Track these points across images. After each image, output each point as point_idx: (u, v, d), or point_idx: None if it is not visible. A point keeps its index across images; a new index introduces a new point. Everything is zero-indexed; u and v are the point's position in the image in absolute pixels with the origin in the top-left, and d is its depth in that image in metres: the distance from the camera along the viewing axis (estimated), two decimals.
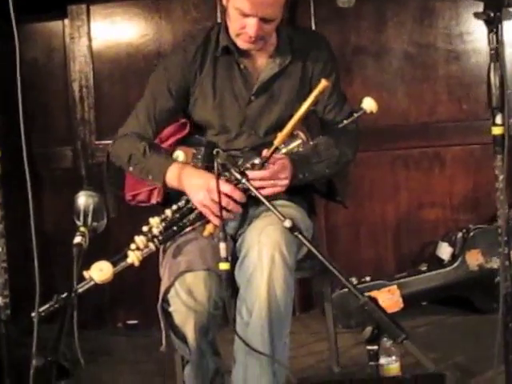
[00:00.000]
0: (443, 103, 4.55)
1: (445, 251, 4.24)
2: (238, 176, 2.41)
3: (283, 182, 2.56)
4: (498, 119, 2.25)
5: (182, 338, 2.51)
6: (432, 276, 4.17)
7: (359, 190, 4.44)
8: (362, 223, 4.53)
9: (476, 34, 4.45)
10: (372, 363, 2.20)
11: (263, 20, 2.52)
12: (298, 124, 2.55)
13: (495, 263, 4.09)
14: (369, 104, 2.56)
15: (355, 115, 2.61)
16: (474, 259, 4.15)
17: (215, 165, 2.36)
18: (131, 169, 2.70)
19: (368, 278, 4.16)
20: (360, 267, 4.46)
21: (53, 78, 4.65)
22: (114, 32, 4.57)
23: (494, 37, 2.22)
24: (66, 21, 4.53)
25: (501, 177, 2.27)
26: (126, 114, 2.87)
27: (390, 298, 4.08)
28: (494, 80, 2.26)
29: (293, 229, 2.28)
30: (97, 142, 4.58)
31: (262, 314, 2.40)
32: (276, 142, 2.49)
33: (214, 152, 2.39)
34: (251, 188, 2.41)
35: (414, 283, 4.17)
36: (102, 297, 4.31)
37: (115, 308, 4.58)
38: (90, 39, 4.54)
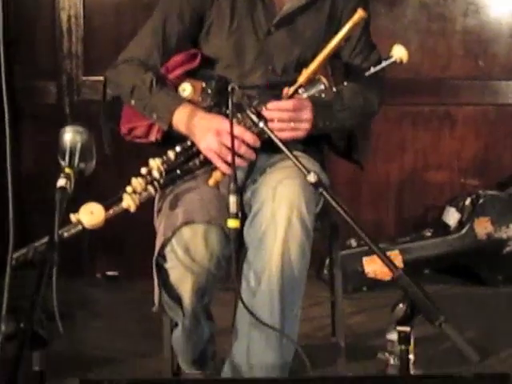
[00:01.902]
0: (458, 59, 4.26)
1: (452, 217, 3.99)
2: (255, 118, 2.07)
3: (304, 125, 2.24)
4: None
5: (176, 299, 2.21)
6: (437, 242, 3.95)
7: None
8: (363, 182, 4.22)
9: None
10: (403, 347, 1.87)
11: None
12: (322, 67, 2.26)
13: (504, 233, 3.91)
14: (399, 52, 2.27)
15: (384, 63, 2.32)
16: (483, 227, 3.91)
17: (229, 103, 2.00)
18: (133, 102, 2.36)
19: None
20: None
21: (39, 6, 4.25)
22: None
23: None
24: None
25: None
26: (117, 49, 2.56)
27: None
28: None
29: (318, 184, 1.91)
30: (84, 78, 4.21)
31: (273, 281, 2.11)
32: (300, 79, 2.22)
33: (229, 88, 2.07)
34: (269, 133, 2.06)
35: (418, 249, 3.94)
36: (79, 243, 3.94)
37: (94, 256, 4.26)
38: None
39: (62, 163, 2.00)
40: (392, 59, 2.27)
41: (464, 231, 3.89)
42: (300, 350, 2.12)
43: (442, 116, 4.25)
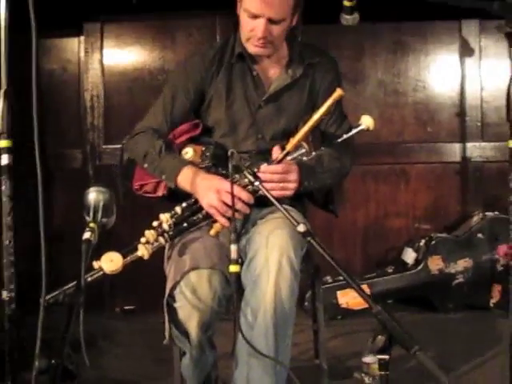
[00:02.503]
0: (410, 126, 4.21)
1: (409, 256, 3.92)
2: (252, 178, 1.99)
3: (292, 185, 2.17)
4: None
5: (184, 333, 2.10)
6: (397, 277, 3.85)
7: None
8: (334, 228, 4.13)
9: (441, 65, 4.18)
10: (382, 373, 1.76)
11: (271, 21, 2.16)
12: (302, 139, 2.18)
13: (453, 268, 3.80)
14: (366, 121, 2.20)
15: (354, 130, 2.23)
16: (435, 264, 3.82)
17: (230, 165, 1.93)
18: (146, 165, 2.29)
19: (341, 277, 3.74)
20: (332, 267, 3.99)
21: (67, 87, 4.22)
22: (124, 48, 4.18)
23: None
24: (82, 37, 4.15)
25: None
26: (131, 122, 2.51)
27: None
28: None
29: (306, 233, 1.83)
30: (104, 146, 4.17)
31: (267, 317, 2.01)
32: (288, 147, 2.15)
33: (229, 153, 2.02)
34: (263, 190, 2.00)
35: (382, 283, 3.84)
36: (101, 283, 3.77)
37: (113, 294, 4.12)
38: (101, 54, 4.15)
39: (87, 218, 1.94)
40: (361, 127, 2.20)
41: (420, 267, 3.80)
42: (292, 374, 2.03)
43: (398, 173, 4.18)
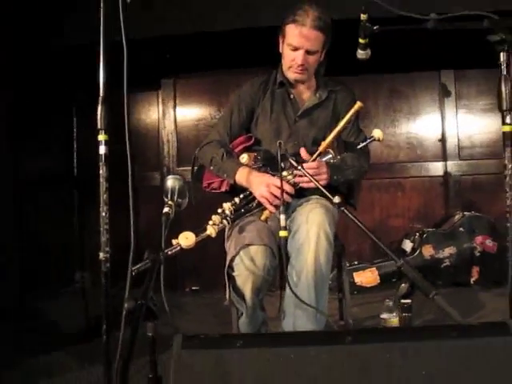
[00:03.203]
0: (404, 150, 3.98)
1: (407, 245, 3.65)
2: (295, 163, 1.79)
3: (324, 177, 2.00)
4: (508, 119, 1.57)
5: (241, 296, 1.93)
6: None
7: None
8: (349, 226, 3.75)
9: (426, 105, 3.96)
10: (405, 314, 1.53)
11: (307, 52, 2.07)
12: (331, 143, 2.07)
13: (441, 254, 3.53)
14: (377, 133, 2.12)
15: (368, 140, 2.15)
16: (427, 251, 3.55)
17: (278, 153, 1.74)
18: (212, 168, 2.16)
19: (356, 262, 3.64)
20: (349, 255, 3.76)
21: (150, 129, 4.11)
22: (191, 97, 4.06)
23: (505, 54, 1.53)
24: (160, 91, 4.05)
25: (509, 165, 1.58)
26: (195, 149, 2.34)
27: (371, 276, 3.57)
28: (505, 89, 1.56)
29: (341, 204, 1.62)
30: (177, 168, 4.00)
31: (309, 276, 1.84)
32: (320, 149, 2.03)
33: (277, 143, 1.81)
34: (305, 173, 1.79)
35: (387, 266, 3.54)
36: (174, 269, 3.77)
37: (183, 277, 3.93)
38: (175, 102, 4.03)
39: (165, 199, 1.75)
40: (373, 138, 2.11)
41: (416, 254, 3.54)
42: (330, 320, 1.91)
43: (396, 185, 3.94)
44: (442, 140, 3.90)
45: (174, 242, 1.82)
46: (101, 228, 1.53)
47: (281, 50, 2.17)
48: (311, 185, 1.97)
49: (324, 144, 2.02)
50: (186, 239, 1.81)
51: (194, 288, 3.91)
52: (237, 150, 2.19)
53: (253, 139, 2.21)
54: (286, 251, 1.75)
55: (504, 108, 1.56)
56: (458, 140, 3.89)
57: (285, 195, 1.91)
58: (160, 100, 4.05)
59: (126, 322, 1.37)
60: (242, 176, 2.04)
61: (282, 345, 0.93)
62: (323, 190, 1.70)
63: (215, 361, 0.93)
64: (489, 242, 3.50)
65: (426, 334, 1.00)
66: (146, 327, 1.35)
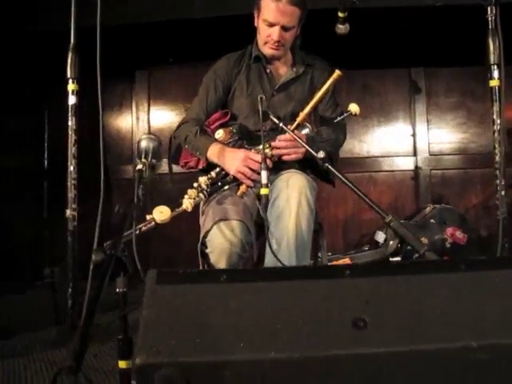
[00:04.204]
0: (376, 144, 3.88)
1: (381, 237, 3.47)
2: (276, 120, 1.67)
3: (302, 149, 1.87)
4: (496, 74, 1.47)
5: None
6: (373, 252, 3.40)
7: (321, 199, 3.68)
8: (323, 219, 3.67)
9: (397, 101, 3.86)
10: None
11: (283, 28, 1.95)
12: (308, 116, 1.96)
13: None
14: (354, 108, 2.01)
15: (345, 114, 2.04)
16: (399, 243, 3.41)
17: (260, 108, 1.61)
18: (186, 146, 2.04)
19: (330, 253, 3.41)
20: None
21: (123, 121, 3.90)
22: (168, 89, 3.86)
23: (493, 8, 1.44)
24: (134, 83, 3.88)
25: (498, 121, 1.48)
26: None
27: None
28: (494, 42, 1.46)
29: (325, 160, 1.48)
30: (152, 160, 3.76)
31: (290, 244, 1.71)
32: (298, 119, 1.91)
33: (259, 98, 1.68)
34: (287, 130, 1.65)
35: (361, 257, 3.40)
36: (147, 260, 3.44)
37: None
38: (149, 96, 3.86)
39: (138, 160, 1.59)
40: (349, 112, 2.02)
41: (388, 245, 3.37)
42: None
43: (368, 179, 3.83)
44: (413, 135, 3.84)
45: (148, 217, 1.68)
46: (68, 183, 1.36)
47: (256, 25, 2.06)
48: (291, 157, 1.88)
49: (302, 114, 1.91)
50: (161, 213, 1.67)
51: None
52: (213, 127, 2.07)
53: (229, 115, 2.08)
54: (267, 208, 1.60)
55: (491, 62, 1.46)
56: (428, 135, 3.83)
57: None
58: (134, 92, 3.87)
59: (93, 277, 1.20)
60: (213, 153, 1.93)
61: (275, 279, 0.79)
62: (306, 147, 1.58)
63: (196, 296, 0.78)
64: (459, 234, 3.42)
65: (431, 267, 0.86)
66: (116, 282, 1.17)
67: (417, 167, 3.80)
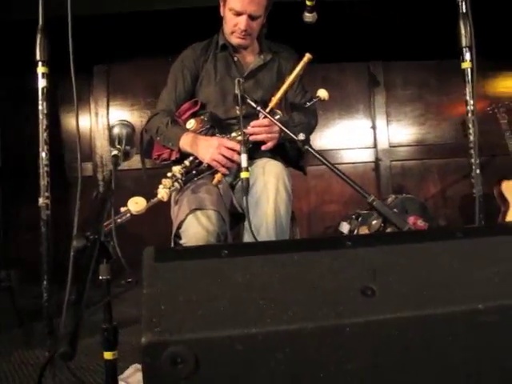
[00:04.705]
0: (337, 137, 3.92)
1: (345, 227, 3.53)
2: (254, 104, 1.65)
3: (276, 135, 1.87)
4: (468, 56, 1.50)
5: None
6: None
7: None
8: None
9: (357, 94, 3.91)
10: None
11: (250, 17, 1.93)
12: (278, 104, 1.93)
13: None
14: (322, 93, 2.03)
15: (314, 100, 2.05)
16: (364, 232, 3.44)
17: (238, 91, 1.58)
18: (158, 138, 1.98)
19: None
20: None
21: (81, 117, 3.75)
22: (127, 85, 3.77)
23: None
24: (93, 78, 3.76)
25: (471, 101, 1.51)
26: None
27: None
28: (465, 25, 1.49)
29: (305, 142, 1.48)
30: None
31: (270, 230, 1.68)
32: (270, 105, 1.88)
33: (236, 81, 1.66)
34: (265, 114, 1.64)
35: None
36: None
37: (120, 270, 3.58)
38: (108, 91, 3.74)
39: (111, 148, 1.52)
40: (318, 97, 2.03)
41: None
42: None
43: (330, 171, 3.73)
44: (373, 127, 3.90)
45: (122, 209, 1.62)
46: (40, 170, 1.29)
47: (222, 14, 2.03)
48: (268, 143, 1.87)
49: (275, 99, 1.89)
50: (136, 204, 1.61)
51: (129, 280, 3.62)
52: (184, 117, 2.03)
53: (199, 104, 2.04)
54: (247, 192, 1.57)
55: (463, 45, 1.50)
56: (388, 127, 3.90)
57: (237, 156, 1.77)
58: (92, 87, 3.75)
59: (74, 266, 1.14)
60: (185, 142, 1.88)
61: (279, 252, 0.77)
62: (286, 131, 1.55)
63: (199, 272, 0.74)
64: (420, 223, 3.49)
65: (429, 235, 0.87)
66: (99, 269, 1.12)
67: (377, 159, 3.87)
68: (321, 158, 1.54)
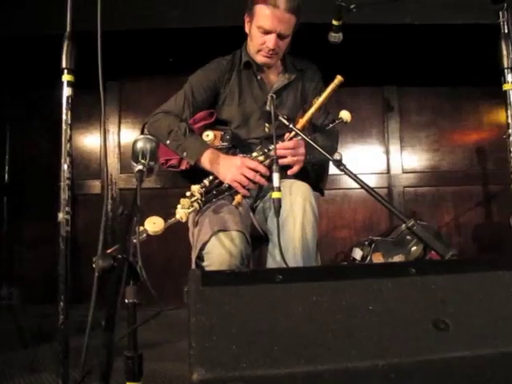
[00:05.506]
0: (349, 161, 3.71)
1: (358, 254, 3.45)
2: (286, 122, 1.58)
3: (302, 157, 1.80)
4: (509, 77, 1.44)
5: None
6: None
7: None
8: None
9: (370, 119, 3.86)
10: None
11: (279, 36, 1.85)
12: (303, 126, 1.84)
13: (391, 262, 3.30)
14: (345, 115, 1.93)
15: (337, 121, 1.95)
16: (377, 259, 3.39)
17: (271, 108, 1.51)
18: (168, 142, 1.84)
19: None
20: None
21: (91, 134, 3.71)
22: (139, 102, 3.69)
23: (505, 12, 1.42)
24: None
25: None
26: None
27: None
28: (507, 46, 1.44)
29: (340, 162, 1.41)
30: (119, 175, 3.62)
31: (297, 255, 1.59)
32: (298, 126, 1.78)
33: (269, 97, 1.60)
34: (297, 131, 1.57)
35: None
36: None
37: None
38: (120, 108, 3.69)
39: (134, 163, 1.44)
40: (341, 119, 1.93)
41: (366, 262, 3.35)
42: None
43: (342, 196, 3.78)
44: (387, 152, 3.85)
45: (139, 228, 1.53)
46: (61, 183, 1.22)
47: (247, 31, 1.96)
48: (295, 167, 1.79)
49: (302, 121, 1.81)
50: (154, 224, 1.52)
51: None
52: (197, 126, 1.93)
53: (214, 116, 1.96)
54: (279, 212, 1.48)
55: (505, 66, 1.44)
56: (401, 153, 3.85)
57: (259, 178, 1.71)
58: (104, 103, 3.69)
59: (98, 288, 1.05)
60: (207, 159, 1.77)
61: (339, 278, 0.69)
62: (322, 151, 1.49)
63: (252, 298, 0.66)
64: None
65: (498, 263, 0.79)
66: (125, 292, 1.04)
67: (390, 185, 3.80)
68: (357, 179, 1.47)
